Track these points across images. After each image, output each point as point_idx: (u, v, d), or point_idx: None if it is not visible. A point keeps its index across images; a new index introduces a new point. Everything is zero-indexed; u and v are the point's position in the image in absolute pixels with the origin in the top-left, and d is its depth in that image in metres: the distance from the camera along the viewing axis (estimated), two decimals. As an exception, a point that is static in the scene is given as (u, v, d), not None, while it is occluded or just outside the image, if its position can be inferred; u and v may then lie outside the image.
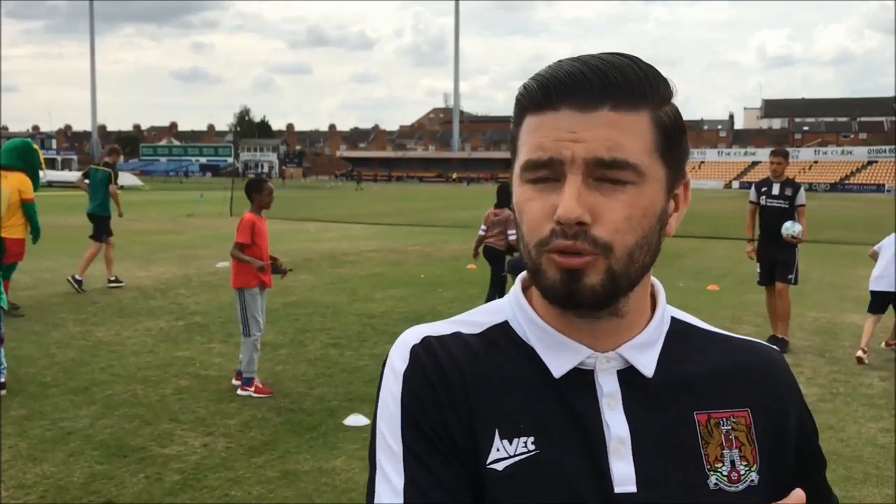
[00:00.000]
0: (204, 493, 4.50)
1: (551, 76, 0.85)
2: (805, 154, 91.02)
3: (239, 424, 5.67)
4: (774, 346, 1.04)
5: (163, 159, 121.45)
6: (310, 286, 12.10)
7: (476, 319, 0.97)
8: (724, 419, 0.93)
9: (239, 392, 6.39)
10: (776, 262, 8.24)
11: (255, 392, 6.37)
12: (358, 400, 6.23)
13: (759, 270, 8.51)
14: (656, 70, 0.88)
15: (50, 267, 13.45)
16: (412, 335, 0.95)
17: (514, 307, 0.97)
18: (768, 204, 8.28)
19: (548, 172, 0.84)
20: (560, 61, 0.87)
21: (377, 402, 0.93)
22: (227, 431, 5.53)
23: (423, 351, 0.92)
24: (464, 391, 0.89)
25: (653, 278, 0.97)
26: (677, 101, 0.89)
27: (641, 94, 0.84)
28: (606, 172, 0.83)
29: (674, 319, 0.99)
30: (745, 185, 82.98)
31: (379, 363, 6.84)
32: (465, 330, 0.96)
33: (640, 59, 0.87)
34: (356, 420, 5.68)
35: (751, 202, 8.54)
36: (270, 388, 6.49)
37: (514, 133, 0.90)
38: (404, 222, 25.80)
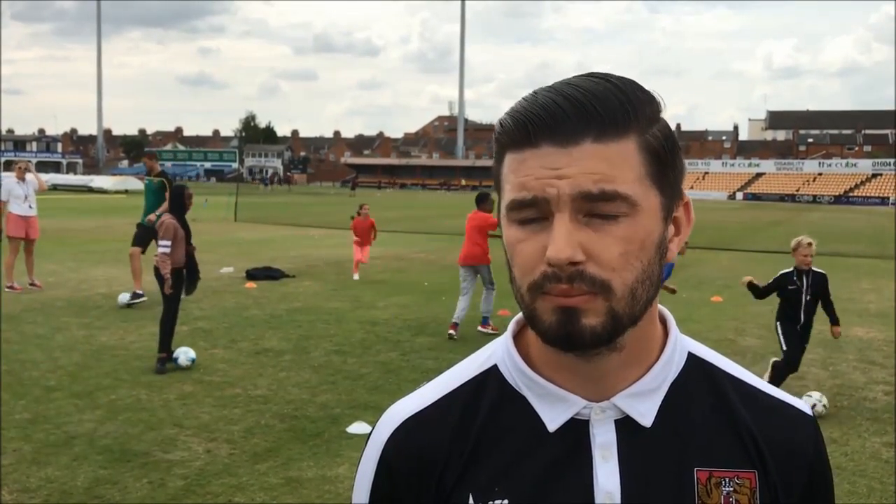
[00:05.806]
0: (207, 500, 4.51)
1: (527, 112, 0.80)
2: (809, 166, 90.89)
3: (242, 431, 5.68)
4: (807, 408, 0.95)
5: (168, 164, 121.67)
6: (313, 292, 12.12)
7: (461, 375, 0.94)
8: (727, 479, 0.87)
9: (479, 329, 9.18)
10: None
11: (492, 330, 9.03)
12: (361, 408, 6.24)
13: None
14: (640, 88, 0.83)
15: (53, 270, 13.50)
16: (385, 427, 0.94)
17: (504, 353, 0.93)
18: None
19: (535, 212, 0.80)
20: (535, 93, 0.82)
21: (356, 474, 0.96)
22: (231, 437, 5.53)
23: (395, 452, 0.91)
24: (433, 479, 0.89)
25: (662, 307, 0.93)
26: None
27: (625, 121, 0.79)
28: (596, 207, 0.78)
29: (691, 356, 0.93)
30: (749, 197, 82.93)
31: (383, 371, 6.81)
32: (447, 391, 0.93)
33: (619, 80, 0.82)
34: (359, 428, 5.68)
35: None
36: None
37: (496, 169, 0.85)
38: (408, 230, 25.80)
